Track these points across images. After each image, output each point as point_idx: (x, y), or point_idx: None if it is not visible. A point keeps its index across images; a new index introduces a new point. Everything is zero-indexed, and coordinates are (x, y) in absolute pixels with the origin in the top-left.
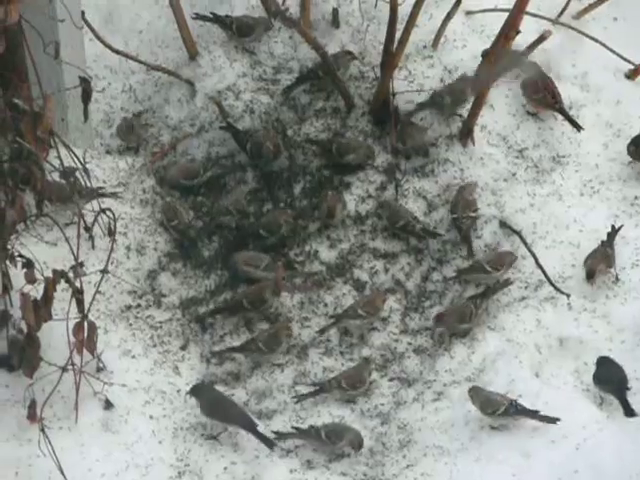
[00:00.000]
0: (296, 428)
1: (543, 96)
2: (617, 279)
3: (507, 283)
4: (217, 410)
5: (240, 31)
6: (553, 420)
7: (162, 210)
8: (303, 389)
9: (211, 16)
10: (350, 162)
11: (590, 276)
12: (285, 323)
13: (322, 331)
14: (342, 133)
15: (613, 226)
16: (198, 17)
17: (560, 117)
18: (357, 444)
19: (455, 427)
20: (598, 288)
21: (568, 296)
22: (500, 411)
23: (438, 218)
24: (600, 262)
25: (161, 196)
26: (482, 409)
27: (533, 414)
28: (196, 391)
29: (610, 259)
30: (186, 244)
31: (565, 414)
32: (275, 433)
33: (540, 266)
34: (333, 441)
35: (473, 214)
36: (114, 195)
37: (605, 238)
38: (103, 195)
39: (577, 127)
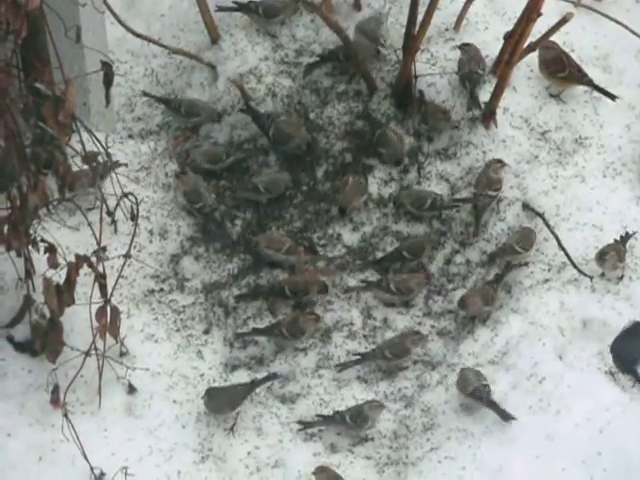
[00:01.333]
0: (320, 416)
1: (569, 72)
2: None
3: (522, 264)
4: (222, 404)
5: (267, 13)
6: (510, 417)
7: (185, 193)
8: (326, 373)
9: (235, 6)
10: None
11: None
12: (312, 311)
13: (348, 290)
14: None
15: (627, 232)
16: (221, 9)
17: (582, 98)
18: None
19: (479, 410)
20: (621, 269)
21: (591, 278)
22: (469, 390)
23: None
24: (612, 250)
25: (182, 180)
26: (462, 390)
27: (495, 406)
28: (210, 395)
29: (622, 254)
30: (212, 226)
31: (589, 397)
32: (300, 423)
33: (563, 248)
34: (359, 424)
35: (493, 192)
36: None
37: (622, 233)
38: (119, 165)
39: (611, 97)
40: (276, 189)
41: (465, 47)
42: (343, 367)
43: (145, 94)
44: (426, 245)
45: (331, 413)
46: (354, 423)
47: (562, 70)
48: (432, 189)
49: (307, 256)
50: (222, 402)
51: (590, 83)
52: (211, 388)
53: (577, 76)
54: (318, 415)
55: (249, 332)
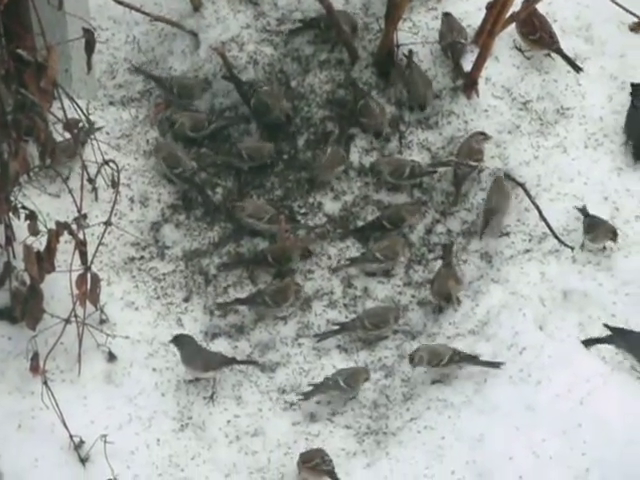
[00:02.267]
0: (313, 385)
1: (540, 36)
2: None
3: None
4: (196, 363)
5: None
6: (497, 365)
7: (164, 159)
8: (306, 341)
9: None
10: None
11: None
12: (293, 280)
13: (336, 270)
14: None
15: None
16: None
17: (564, 69)
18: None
19: (459, 380)
20: (602, 241)
21: (572, 249)
22: (444, 361)
23: (442, 170)
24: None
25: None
26: (429, 362)
27: (475, 360)
28: (178, 341)
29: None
30: (192, 194)
31: (569, 367)
32: (301, 394)
33: (544, 219)
34: (353, 386)
35: (474, 163)
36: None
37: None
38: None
39: (576, 68)
40: (259, 157)
41: (445, 17)
42: (322, 337)
43: (136, 69)
44: (406, 215)
45: (314, 381)
46: (348, 386)
47: (533, 33)
48: (414, 158)
49: (288, 225)
50: (198, 361)
51: (558, 51)
52: (182, 335)
53: (547, 41)
54: (310, 384)
55: (231, 302)
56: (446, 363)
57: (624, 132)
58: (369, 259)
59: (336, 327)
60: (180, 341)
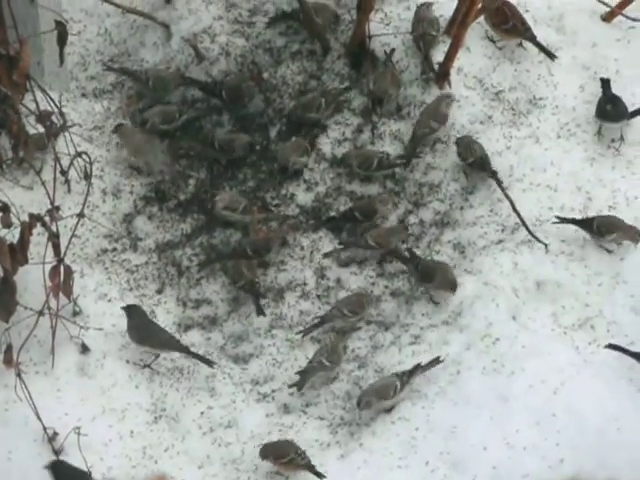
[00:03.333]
0: (316, 318)
1: (513, 25)
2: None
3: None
4: (147, 337)
5: None
6: (437, 360)
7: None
8: (279, 333)
9: None
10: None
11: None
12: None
13: (327, 255)
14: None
15: None
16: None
17: (536, 59)
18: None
19: (432, 371)
20: (575, 231)
21: (546, 246)
22: (395, 393)
23: (415, 161)
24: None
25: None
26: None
27: (419, 369)
28: (130, 311)
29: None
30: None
31: (542, 358)
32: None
33: (517, 212)
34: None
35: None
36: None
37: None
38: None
39: (550, 56)
40: (232, 149)
41: (418, 8)
42: (305, 332)
43: (109, 68)
44: (379, 207)
45: (285, 370)
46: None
47: (505, 22)
48: (386, 149)
49: (260, 215)
50: (134, 332)
51: (532, 39)
52: (134, 306)
53: (520, 30)
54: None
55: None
56: (398, 390)
57: (597, 116)
58: (362, 245)
59: (316, 320)
60: (130, 311)
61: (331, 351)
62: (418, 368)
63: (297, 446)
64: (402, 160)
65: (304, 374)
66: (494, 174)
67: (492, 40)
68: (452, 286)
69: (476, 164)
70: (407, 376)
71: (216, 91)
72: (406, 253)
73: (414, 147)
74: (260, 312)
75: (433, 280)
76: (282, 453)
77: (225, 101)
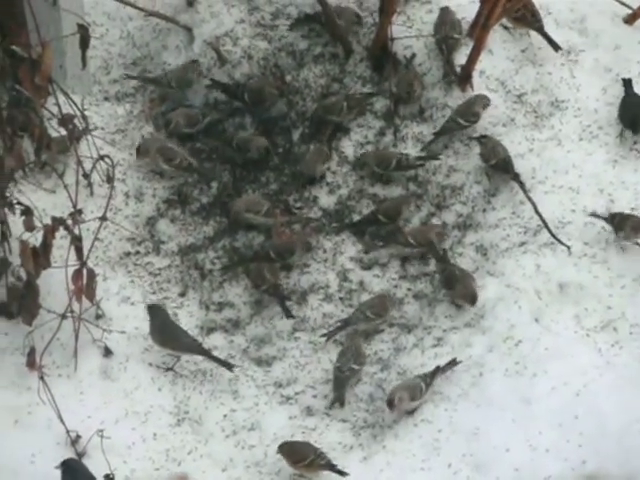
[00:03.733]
0: (340, 321)
1: (522, 14)
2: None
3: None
4: (169, 339)
5: None
6: (455, 362)
7: (158, 151)
8: (302, 335)
9: None
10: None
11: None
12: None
13: (367, 252)
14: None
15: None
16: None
17: (559, 61)
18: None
19: (455, 373)
20: (598, 234)
21: (568, 248)
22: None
23: (437, 163)
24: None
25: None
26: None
27: (438, 371)
28: (152, 311)
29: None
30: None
31: (565, 360)
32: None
33: (539, 214)
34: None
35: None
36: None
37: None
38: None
39: (555, 47)
40: (248, 149)
41: (441, 11)
42: (329, 335)
43: (129, 76)
44: (402, 208)
45: (308, 373)
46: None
47: (516, 11)
48: (408, 152)
49: (283, 218)
50: (157, 334)
51: (540, 30)
52: (156, 305)
53: (529, 20)
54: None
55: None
56: (424, 392)
57: (618, 118)
58: (402, 242)
59: (339, 324)
60: (153, 311)
61: (357, 353)
62: (438, 370)
63: (315, 447)
64: (421, 161)
65: (340, 389)
66: (516, 176)
67: (505, 27)
68: (471, 299)
69: (499, 166)
70: (430, 378)
71: (238, 94)
72: (441, 252)
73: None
74: (288, 315)
75: (454, 289)
76: (301, 456)
77: (247, 104)
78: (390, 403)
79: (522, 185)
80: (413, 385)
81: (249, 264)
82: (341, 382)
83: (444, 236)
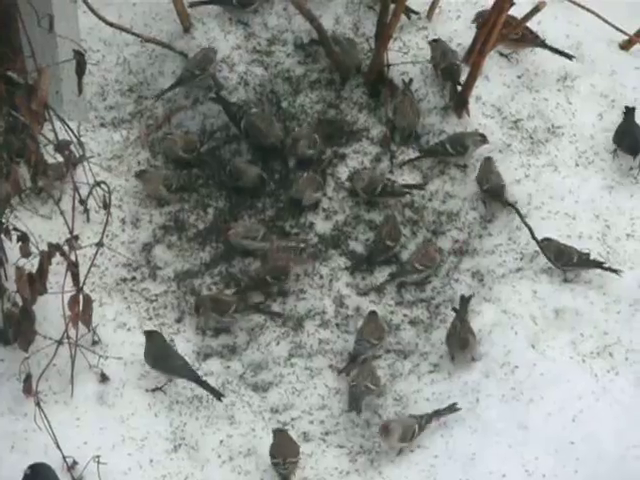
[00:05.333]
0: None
1: (522, 35)
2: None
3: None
4: (160, 361)
5: (242, 2)
6: (454, 409)
7: (164, 148)
8: (299, 361)
9: None
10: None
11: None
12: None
13: (379, 289)
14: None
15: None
16: (195, 4)
17: (555, 87)
18: None
19: (451, 399)
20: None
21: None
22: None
23: (433, 189)
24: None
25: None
26: (402, 439)
27: (439, 413)
28: (149, 335)
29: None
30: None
31: (561, 385)
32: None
33: (536, 240)
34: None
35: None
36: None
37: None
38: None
39: (568, 57)
40: (242, 179)
41: (435, 43)
42: (346, 371)
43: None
44: (400, 228)
45: (305, 398)
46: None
47: (515, 33)
48: (404, 178)
49: (279, 243)
50: (150, 357)
51: (543, 45)
52: (155, 332)
53: (530, 38)
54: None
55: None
56: (416, 434)
57: (613, 141)
58: (409, 271)
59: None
60: (150, 336)
61: (372, 375)
62: (436, 414)
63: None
64: (407, 189)
65: (356, 399)
66: (508, 204)
67: (504, 55)
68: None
69: (491, 191)
70: (426, 421)
71: (237, 120)
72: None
73: (420, 157)
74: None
75: (463, 351)
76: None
77: (242, 132)
78: (384, 430)
79: (518, 211)
80: (407, 425)
81: (246, 292)
82: (356, 397)
83: (441, 255)
